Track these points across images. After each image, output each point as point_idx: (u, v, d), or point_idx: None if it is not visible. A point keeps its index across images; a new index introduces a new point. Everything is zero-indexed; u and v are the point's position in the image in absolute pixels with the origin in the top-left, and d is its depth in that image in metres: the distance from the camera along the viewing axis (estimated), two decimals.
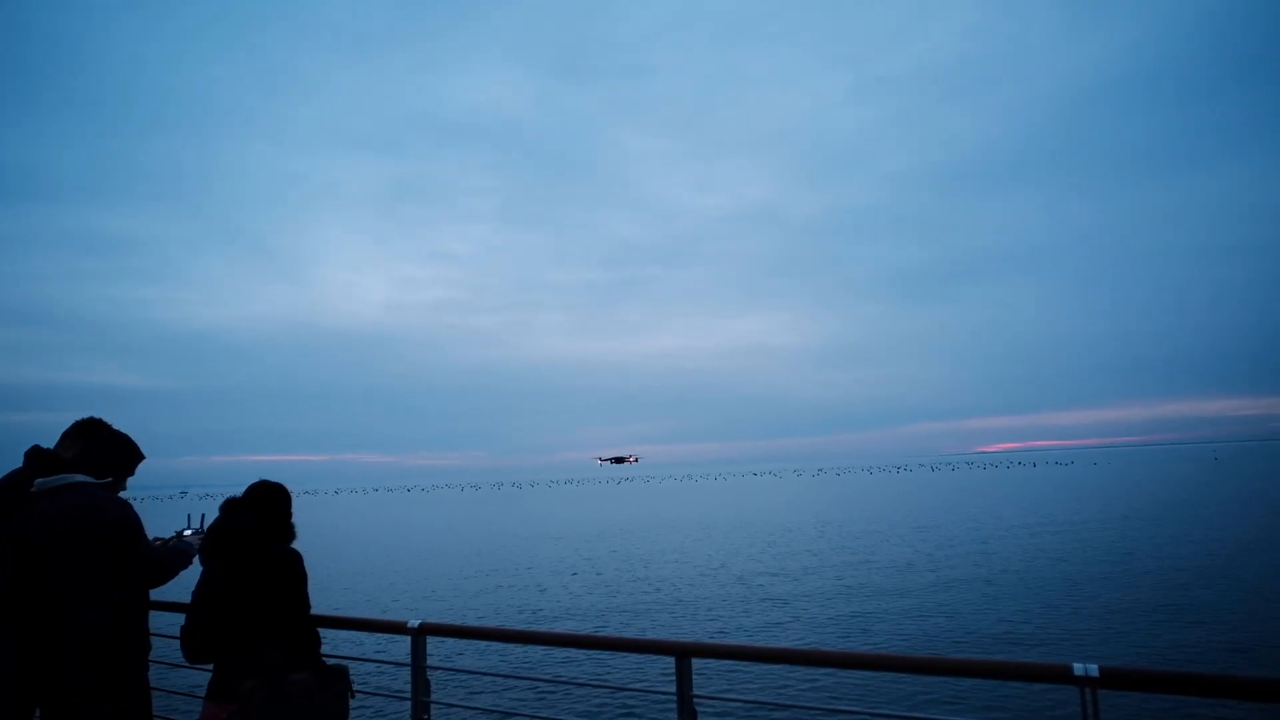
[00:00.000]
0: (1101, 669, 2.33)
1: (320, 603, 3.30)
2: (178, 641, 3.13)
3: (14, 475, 3.50)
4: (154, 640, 3.38)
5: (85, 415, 3.73)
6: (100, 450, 3.27)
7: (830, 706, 9.46)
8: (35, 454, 3.54)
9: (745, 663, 10.16)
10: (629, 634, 14.38)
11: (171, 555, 3.24)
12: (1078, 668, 2.35)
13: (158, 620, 3.44)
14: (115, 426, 3.45)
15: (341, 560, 29.36)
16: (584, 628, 15.29)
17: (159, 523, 3.55)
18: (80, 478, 3.13)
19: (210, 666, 3.09)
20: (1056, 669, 2.41)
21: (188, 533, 3.44)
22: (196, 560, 3.28)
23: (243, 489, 3.32)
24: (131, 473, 3.40)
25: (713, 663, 10.32)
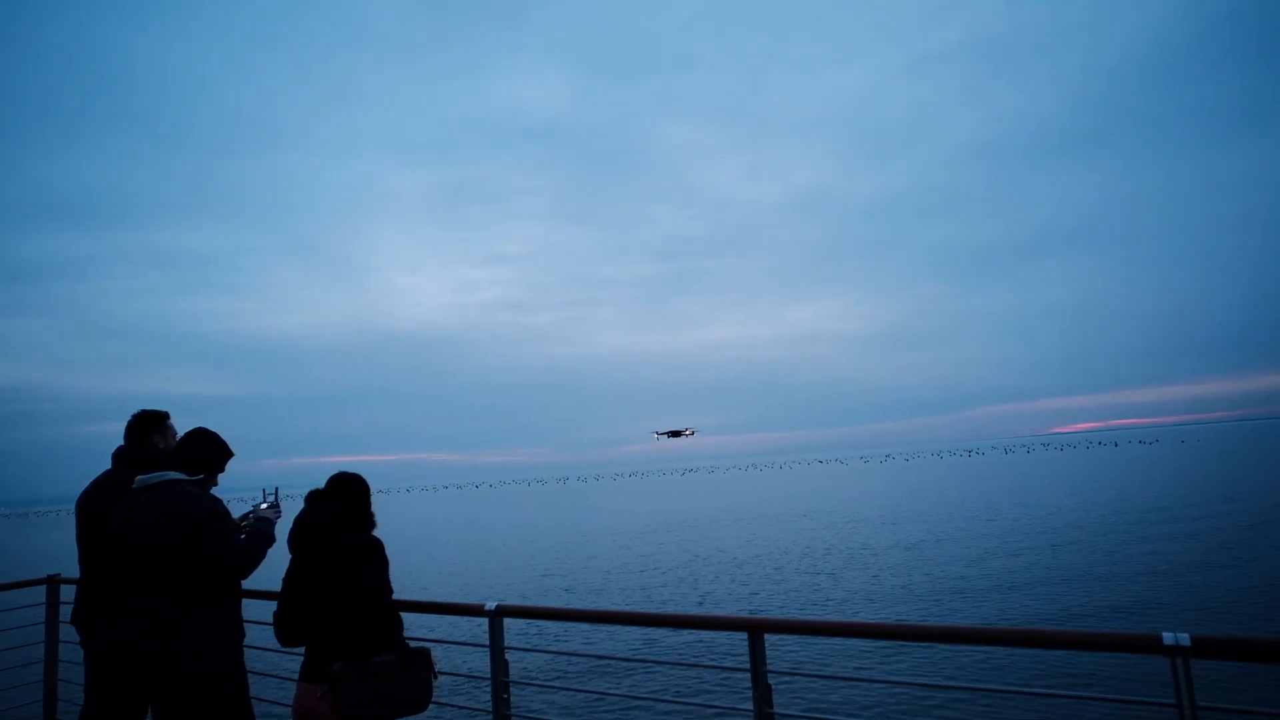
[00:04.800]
0: (1194, 638, 2.24)
1: (400, 589, 3.43)
2: (271, 627, 3.34)
3: (107, 476, 3.77)
4: (249, 626, 3.58)
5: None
6: (193, 447, 3.48)
7: (907, 680, 9.34)
8: (125, 454, 3.81)
9: (819, 638, 10.06)
10: (701, 612, 14.50)
11: (253, 542, 3.41)
12: (1168, 637, 2.26)
13: (250, 607, 3.64)
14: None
15: (418, 551, 30.87)
16: (656, 607, 15.52)
17: None
18: (175, 475, 3.35)
19: (302, 650, 3.27)
20: (1145, 639, 2.32)
21: (264, 506, 3.63)
22: (279, 541, 3.47)
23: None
24: (222, 469, 3.61)
25: (786, 638, 10.28)
